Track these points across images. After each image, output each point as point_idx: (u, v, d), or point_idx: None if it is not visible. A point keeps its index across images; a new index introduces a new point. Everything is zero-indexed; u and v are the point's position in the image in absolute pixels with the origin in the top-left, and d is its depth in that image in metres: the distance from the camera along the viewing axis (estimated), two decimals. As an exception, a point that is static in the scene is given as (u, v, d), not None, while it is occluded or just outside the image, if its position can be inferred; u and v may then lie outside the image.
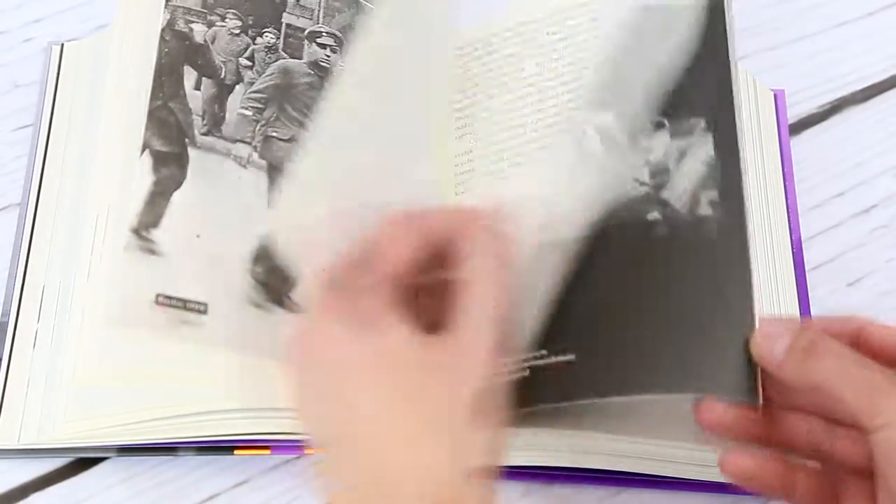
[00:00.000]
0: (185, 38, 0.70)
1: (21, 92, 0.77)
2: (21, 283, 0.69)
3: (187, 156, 0.67)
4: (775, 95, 0.80)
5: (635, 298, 0.64)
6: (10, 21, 0.80)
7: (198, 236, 0.65)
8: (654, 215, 0.65)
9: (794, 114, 0.80)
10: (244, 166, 0.68)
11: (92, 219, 0.68)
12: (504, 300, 0.56)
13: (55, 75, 0.76)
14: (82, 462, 0.67)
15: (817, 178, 0.78)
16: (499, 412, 0.56)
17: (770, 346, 0.60)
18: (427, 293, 0.58)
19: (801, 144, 0.79)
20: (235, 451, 0.66)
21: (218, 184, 0.67)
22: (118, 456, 0.66)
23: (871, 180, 0.78)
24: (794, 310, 0.72)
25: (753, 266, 0.64)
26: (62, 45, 0.77)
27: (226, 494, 0.67)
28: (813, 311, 0.72)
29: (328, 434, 0.55)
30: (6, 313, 0.69)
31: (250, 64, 0.70)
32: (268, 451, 0.66)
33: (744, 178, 0.65)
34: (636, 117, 0.67)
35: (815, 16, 0.85)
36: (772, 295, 0.71)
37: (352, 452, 0.54)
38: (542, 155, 0.67)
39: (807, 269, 0.74)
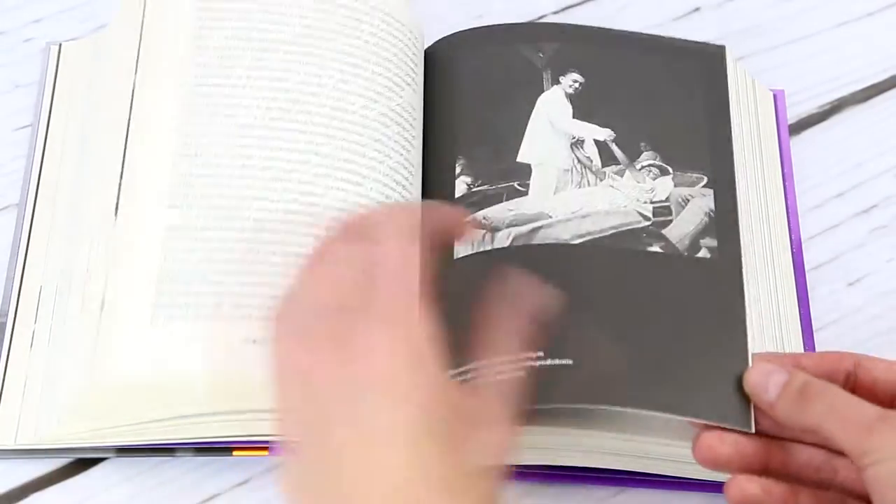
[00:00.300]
0: None
1: (21, 92, 0.77)
2: (19, 283, 0.70)
3: None
4: (775, 95, 0.80)
5: (634, 318, 0.66)
6: (10, 21, 0.81)
7: None
8: (654, 248, 0.69)
9: (794, 114, 0.80)
10: None
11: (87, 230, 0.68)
12: None
13: (53, 76, 0.76)
14: (82, 462, 0.67)
15: (817, 178, 0.78)
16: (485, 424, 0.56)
17: (764, 386, 0.61)
18: None
19: (801, 144, 0.79)
20: (234, 452, 0.66)
21: None
22: (117, 456, 0.66)
23: (871, 180, 0.78)
24: (793, 310, 0.72)
25: (749, 289, 0.68)
26: (60, 45, 0.77)
27: (226, 494, 0.66)
28: (813, 312, 0.72)
29: (304, 441, 0.55)
30: (4, 313, 0.69)
31: None
32: (266, 452, 0.66)
33: (742, 230, 0.70)
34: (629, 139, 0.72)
35: (815, 16, 0.85)
36: (771, 295, 0.71)
37: (322, 463, 0.54)
38: None
39: (807, 269, 0.74)
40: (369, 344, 0.54)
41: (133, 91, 0.70)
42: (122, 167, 0.68)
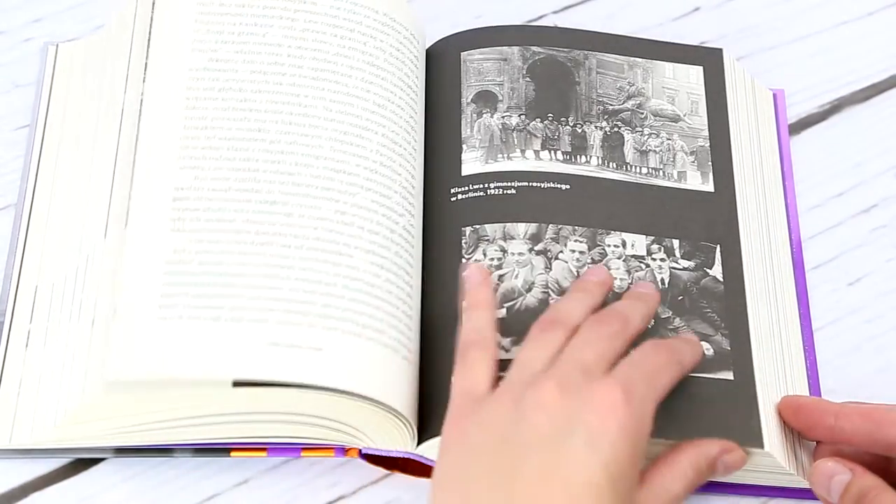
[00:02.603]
0: None
1: (21, 92, 0.77)
2: (16, 283, 0.70)
3: None
4: (775, 95, 0.80)
5: None
6: (10, 21, 0.81)
7: None
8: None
9: (794, 114, 0.80)
10: None
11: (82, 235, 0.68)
12: None
13: (50, 76, 0.76)
14: (82, 462, 0.67)
15: (817, 177, 0.78)
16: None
17: (826, 488, 0.63)
18: None
19: (800, 144, 0.79)
20: (232, 453, 0.66)
21: None
22: (115, 456, 0.66)
23: (871, 180, 0.78)
24: (793, 310, 0.72)
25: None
26: (56, 45, 0.77)
27: (226, 494, 0.67)
28: (813, 312, 0.72)
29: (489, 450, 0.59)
30: (1, 313, 0.69)
31: None
32: (264, 453, 0.66)
33: (741, 230, 0.71)
34: None
35: (815, 16, 0.85)
36: (771, 295, 0.71)
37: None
38: None
39: (807, 269, 0.74)
40: (604, 397, 0.59)
41: (126, 91, 0.70)
42: (114, 167, 0.68)
